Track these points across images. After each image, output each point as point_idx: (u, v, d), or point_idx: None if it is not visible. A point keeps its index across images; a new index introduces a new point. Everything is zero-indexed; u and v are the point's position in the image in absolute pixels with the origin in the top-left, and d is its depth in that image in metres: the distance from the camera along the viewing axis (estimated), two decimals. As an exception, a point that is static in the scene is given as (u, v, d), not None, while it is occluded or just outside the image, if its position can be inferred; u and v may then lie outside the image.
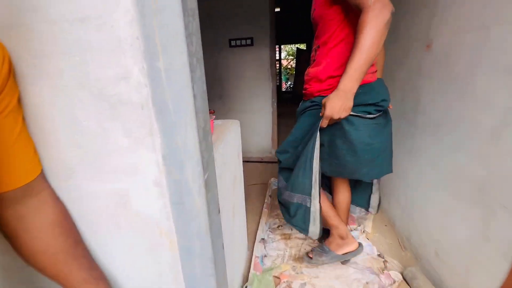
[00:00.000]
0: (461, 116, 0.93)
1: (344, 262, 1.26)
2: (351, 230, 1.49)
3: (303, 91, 1.07)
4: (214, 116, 0.82)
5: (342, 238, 1.18)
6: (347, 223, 1.29)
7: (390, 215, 1.58)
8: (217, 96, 2.73)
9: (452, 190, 1.01)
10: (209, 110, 0.83)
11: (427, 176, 1.18)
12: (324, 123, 0.86)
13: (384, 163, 1.03)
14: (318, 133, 0.92)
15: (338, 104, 0.79)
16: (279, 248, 1.41)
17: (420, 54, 1.20)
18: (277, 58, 8.70)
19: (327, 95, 0.87)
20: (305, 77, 1.05)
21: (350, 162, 0.97)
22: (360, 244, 1.22)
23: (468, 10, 0.89)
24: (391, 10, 0.70)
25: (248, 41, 2.47)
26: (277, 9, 5.86)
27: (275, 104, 2.67)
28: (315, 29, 0.97)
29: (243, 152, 2.95)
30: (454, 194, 0.99)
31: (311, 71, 1.00)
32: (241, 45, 2.50)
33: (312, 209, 1.02)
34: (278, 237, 1.50)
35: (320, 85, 0.96)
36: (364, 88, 0.86)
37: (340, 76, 0.84)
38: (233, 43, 2.50)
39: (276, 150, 1.20)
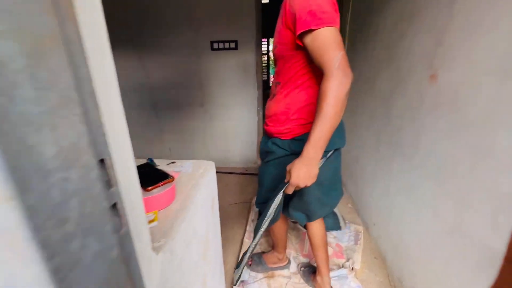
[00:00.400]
0: (473, 172, 0.80)
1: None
2: (341, 267, 1.38)
3: (264, 126, 1.04)
4: (173, 183, 0.64)
5: (279, 259, 1.39)
6: (327, 258, 1.20)
7: (381, 247, 1.48)
8: (198, 104, 2.51)
9: (457, 249, 0.89)
10: (168, 178, 0.65)
11: (426, 221, 1.06)
12: (289, 190, 0.81)
13: (340, 190, 1.07)
14: (280, 198, 0.88)
15: (303, 171, 0.75)
16: (261, 291, 1.27)
17: (422, 85, 1.06)
18: (265, 51, 8.43)
19: (286, 139, 0.93)
20: (266, 111, 1.01)
21: (318, 208, 1.04)
22: (289, 261, 1.43)
23: (486, 51, 0.75)
24: (351, 79, 0.67)
25: (232, 45, 2.25)
26: (265, 1, 5.56)
27: (261, 113, 2.49)
28: (276, 64, 0.92)
29: (224, 163, 2.76)
30: (459, 255, 0.88)
31: (272, 107, 0.96)
32: (224, 49, 2.27)
33: (245, 257, 1.06)
34: (260, 275, 1.36)
35: (279, 126, 0.94)
36: None
37: (298, 119, 0.88)
38: (215, 46, 2.27)
39: (255, 201, 1.17)
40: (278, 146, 0.97)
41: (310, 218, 1.08)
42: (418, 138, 1.08)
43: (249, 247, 1.03)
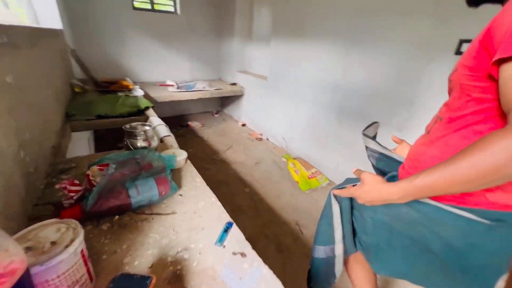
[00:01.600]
0: None
1: None
2: None
3: (400, 169, 0.72)
4: None
5: None
6: None
7: None
8: (397, 127, 1.76)
9: None
10: None
11: None
12: (345, 193, 0.68)
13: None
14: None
15: (370, 198, 0.60)
16: None
17: None
18: None
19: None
20: (410, 153, 0.70)
21: None
22: None
23: None
24: None
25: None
26: None
27: None
28: (449, 94, 0.64)
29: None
30: None
31: (420, 149, 0.66)
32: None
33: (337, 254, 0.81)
34: None
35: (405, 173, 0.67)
36: None
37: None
38: (466, 47, 1.33)
39: None
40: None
41: None
42: None
43: None
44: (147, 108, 1.67)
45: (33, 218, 0.66)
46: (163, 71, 3.64)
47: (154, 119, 1.46)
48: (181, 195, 0.81)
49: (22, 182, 0.68)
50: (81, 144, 1.96)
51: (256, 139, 3.30)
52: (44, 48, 1.27)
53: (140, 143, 0.94)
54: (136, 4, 3.27)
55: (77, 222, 0.48)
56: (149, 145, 0.98)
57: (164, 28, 3.46)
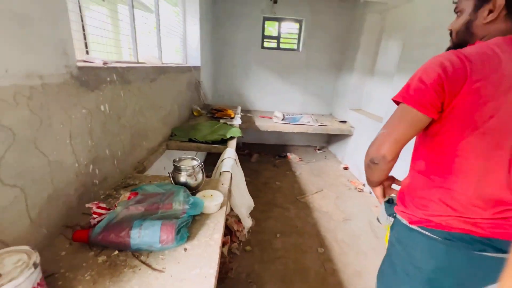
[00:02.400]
0: None
1: None
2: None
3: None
4: None
5: None
6: None
7: None
8: None
9: None
10: None
11: None
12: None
13: None
14: None
15: None
16: None
17: None
18: None
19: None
20: None
21: None
22: None
23: None
24: (369, 159, 0.71)
25: None
26: None
27: None
28: None
29: None
30: None
31: None
32: None
33: None
34: None
35: None
36: None
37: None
38: None
39: None
40: None
41: None
42: None
43: None
44: (232, 137, 1.75)
45: (69, 226, 0.76)
46: (275, 102, 3.85)
47: (230, 150, 1.48)
48: (186, 249, 0.71)
49: (76, 193, 0.82)
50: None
51: (356, 189, 2.77)
52: (164, 82, 1.60)
53: (183, 178, 0.94)
54: (266, 44, 3.71)
55: (35, 261, 0.48)
56: (195, 180, 0.97)
57: (284, 63, 3.70)
